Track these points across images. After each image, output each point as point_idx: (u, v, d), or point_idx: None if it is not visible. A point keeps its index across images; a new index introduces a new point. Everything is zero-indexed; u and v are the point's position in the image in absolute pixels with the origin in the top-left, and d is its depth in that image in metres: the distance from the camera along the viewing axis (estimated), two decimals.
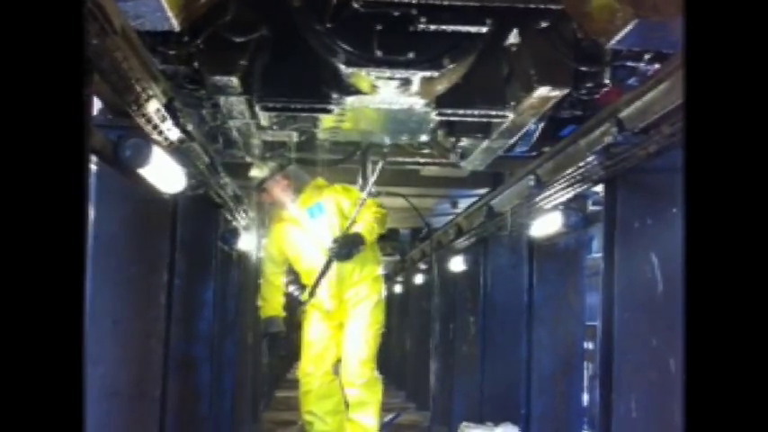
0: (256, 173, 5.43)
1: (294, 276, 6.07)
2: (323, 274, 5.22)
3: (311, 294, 5.32)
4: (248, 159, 5.85)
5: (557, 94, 4.21)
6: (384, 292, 5.51)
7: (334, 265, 5.23)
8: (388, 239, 10.59)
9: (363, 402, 5.21)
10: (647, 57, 3.85)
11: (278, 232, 5.50)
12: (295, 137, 5.51)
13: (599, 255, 4.57)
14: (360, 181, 6.17)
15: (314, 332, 5.46)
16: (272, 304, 5.53)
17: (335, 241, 5.12)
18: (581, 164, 4.28)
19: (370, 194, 5.37)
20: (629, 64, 4.01)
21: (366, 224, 5.18)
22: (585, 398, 6.94)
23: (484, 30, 3.85)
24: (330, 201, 5.31)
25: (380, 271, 5.50)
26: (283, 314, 5.58)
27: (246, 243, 6.25)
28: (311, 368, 5.44)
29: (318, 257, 5.29)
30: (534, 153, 5.57)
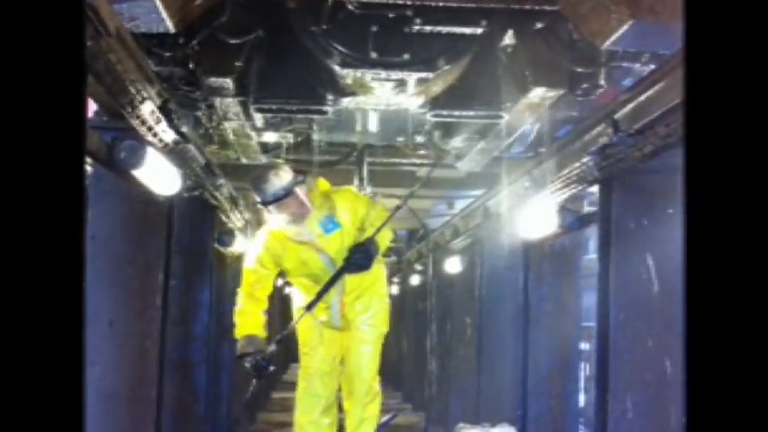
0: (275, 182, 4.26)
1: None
2: (329, 286, 4.48)
3: (308, 308, 4.52)
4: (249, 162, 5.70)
5: (552, 94, 4.22)
6: (388, 292, 5.08)
7: (342, 278, 4.50)
8: None
9: (363, 420, 4.98)
10: (643, 58, 3.85)
11: (275, 241, 4.55)
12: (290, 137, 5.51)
13: (595, 256, 4.57)
14: (356, 182, 6.16)
15: (313, 338, 5.07)
16: (252, 320, 4.54)
17: (352, 251, 4.40)
18: (576, 164, 4.28)
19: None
20: (625, 65, 4.02)
21: (382, 233, 4.49)
22: (582, 398, 6.94)
23: (479, 31, 3.85)
24: (344, 212, 4.49)
25: (384, 270, 5.07)
26: (264, 334, 4.56)
27: (242, 244, 6.24)
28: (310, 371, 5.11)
29: (325, 273, 4.54)
30: (530, 154, 5.57)
